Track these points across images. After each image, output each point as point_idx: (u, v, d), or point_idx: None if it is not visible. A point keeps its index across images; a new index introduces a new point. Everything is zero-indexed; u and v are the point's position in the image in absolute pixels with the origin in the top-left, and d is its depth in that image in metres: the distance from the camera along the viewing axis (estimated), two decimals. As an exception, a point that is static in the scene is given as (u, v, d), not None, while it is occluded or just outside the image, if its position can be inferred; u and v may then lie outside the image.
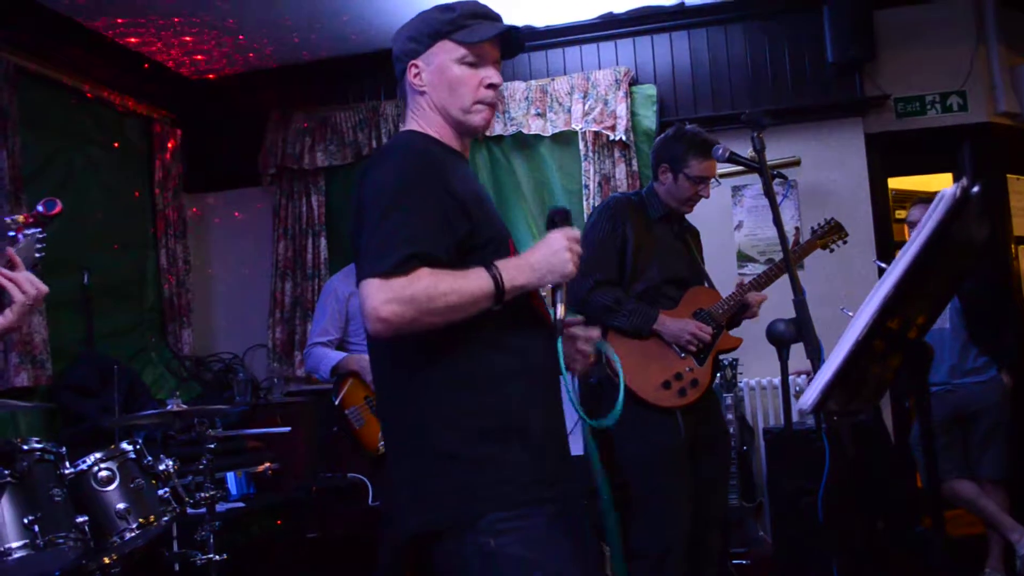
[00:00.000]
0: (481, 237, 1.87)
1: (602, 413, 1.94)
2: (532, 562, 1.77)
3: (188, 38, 5.27)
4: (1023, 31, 5.39)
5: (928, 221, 1.39)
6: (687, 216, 3.60)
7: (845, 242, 3.79)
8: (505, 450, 1.82)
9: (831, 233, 3.76)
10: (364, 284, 1.74)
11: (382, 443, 3.68)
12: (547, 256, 1.84)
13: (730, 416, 4.48)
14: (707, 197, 3.49)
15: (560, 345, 1.85)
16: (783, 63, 5.33)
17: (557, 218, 1.91)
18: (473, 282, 1.77)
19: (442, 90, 1.96)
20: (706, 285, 3.57)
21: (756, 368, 4.96)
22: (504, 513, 1.78)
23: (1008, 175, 5.36)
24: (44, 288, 2.20)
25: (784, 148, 5.15)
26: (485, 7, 2.00)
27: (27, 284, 2.17)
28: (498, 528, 1.77)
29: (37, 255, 2.26)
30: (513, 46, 2.03)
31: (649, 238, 3.44)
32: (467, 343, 1.83)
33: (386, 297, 1.71)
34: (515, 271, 1.81)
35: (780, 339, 2.21)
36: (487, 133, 5.34)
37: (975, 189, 1.40)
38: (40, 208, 2.28)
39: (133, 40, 5.24)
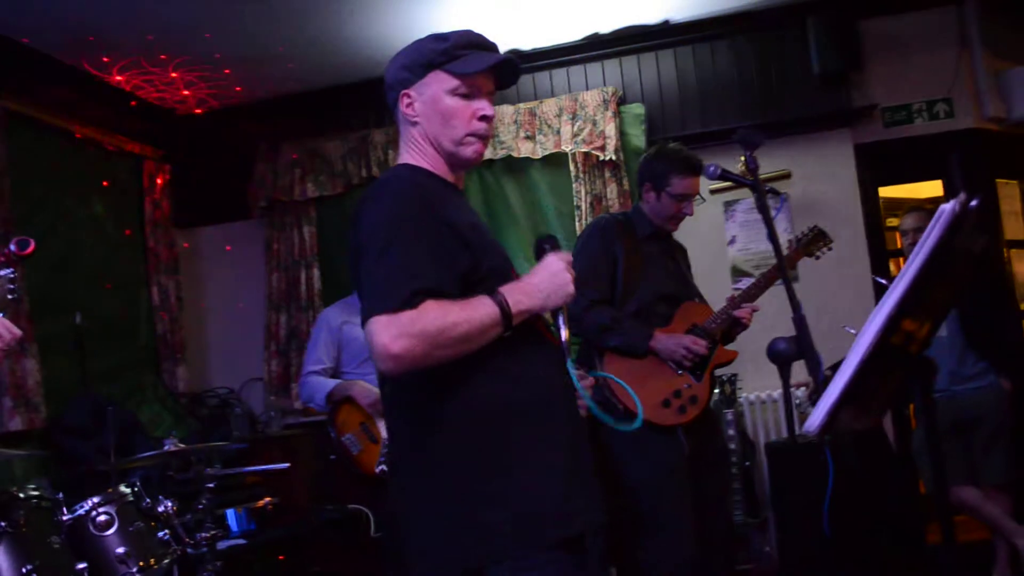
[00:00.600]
0: (483, 268, 1.85)
1: (612, 433, 1.92)
2: None
3: (175, 74, 5.27)
4: (1006, 36, 5.40)
5: (929, 237, 1.39)
6: (675, 234, 3.61)
7: (830, 248, 3.78)
8: (524, 485, 1.77)
9: (815, 241, 3.75)
10: (371, 322, 1.71)
11: (379, 468, 3.65)
12: (548, 279, 1.84)
13: (731, 431, 4.46)
14: (691, 214, 3.49)
15: (571, 367, 1.82)
16: (769, 77, 5.35)
17: (547, 245, 1.92)
18: (480, 310, 1.75)
19: (434, 121, 1.93)
20: (697, 301, 3.57)
21: (755, 382, 4.95)
22: (526, 553, 1.75)
23: (997, 180, 5.38)
24: (17, 332, 2.14)
25: (773, 161, 5.14)
26: (480, 36, 1.97)
27: (1, 328, 2.11)
28: (520, 566, 1.74)
29: (10, 296, 2.17)
30: (508, 76, 2.00)
31: (638, 257, 3.44)
32: (476, 374, 1.80)
33: (396, 332, 1.68)
34: (520, 295, 1.80)
35: (782, 357, 2.20)
36: (477, 158, 5.34)
37: (973, 203, 1.39)
38: (12, 247, 2.17)
39: (120, 78, 5.24)
